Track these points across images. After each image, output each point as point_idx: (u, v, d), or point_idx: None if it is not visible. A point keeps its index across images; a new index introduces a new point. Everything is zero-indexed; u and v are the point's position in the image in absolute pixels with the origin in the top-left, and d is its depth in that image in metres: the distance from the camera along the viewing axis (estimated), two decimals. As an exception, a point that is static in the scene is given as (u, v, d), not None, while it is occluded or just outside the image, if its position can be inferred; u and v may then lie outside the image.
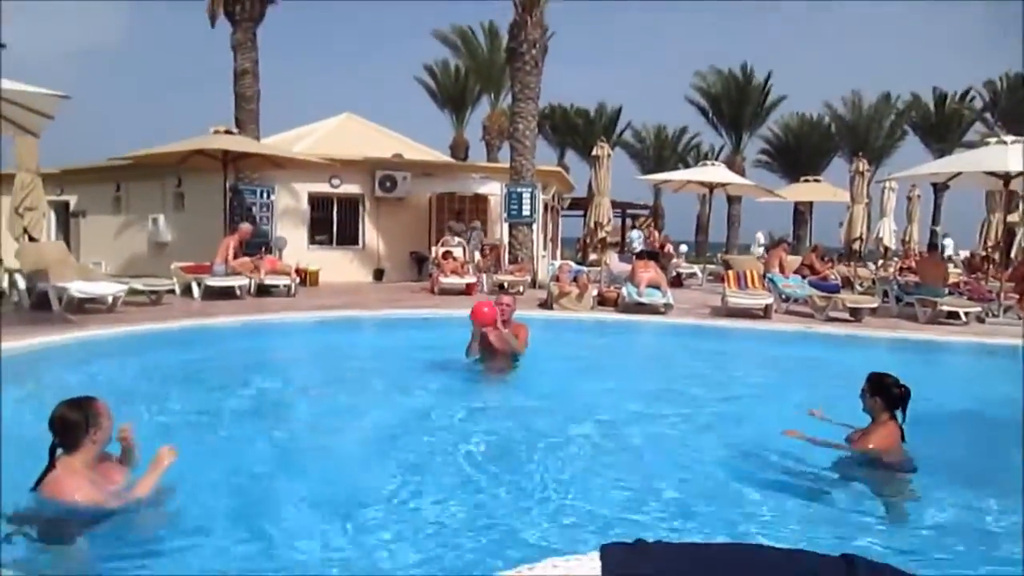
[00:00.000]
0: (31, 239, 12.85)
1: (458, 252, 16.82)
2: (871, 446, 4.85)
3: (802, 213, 36.85)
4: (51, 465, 3.65)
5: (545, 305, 13.41)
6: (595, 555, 1.02)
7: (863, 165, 17.86)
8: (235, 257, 14.41)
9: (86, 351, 8.79)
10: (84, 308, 11.63)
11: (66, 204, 22.87)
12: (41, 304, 11.56)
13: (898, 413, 4.91)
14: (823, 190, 26.68)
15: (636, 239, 24.93)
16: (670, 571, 1.05)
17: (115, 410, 3.97)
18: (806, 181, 27.89)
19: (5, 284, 13.47)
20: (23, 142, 12.58)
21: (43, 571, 3.51)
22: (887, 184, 20.45)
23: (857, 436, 5.05)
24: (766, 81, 40.69)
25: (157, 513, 3.88)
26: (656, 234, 25.20)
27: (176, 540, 3.75)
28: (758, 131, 42.55)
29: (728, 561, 1.09)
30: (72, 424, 3.67)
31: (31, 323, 10.14)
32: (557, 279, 13.79)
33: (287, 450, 5.33)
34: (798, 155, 42.04)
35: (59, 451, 3.67)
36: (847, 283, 17.39)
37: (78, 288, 11.49)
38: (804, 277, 15.36)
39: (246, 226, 15.32)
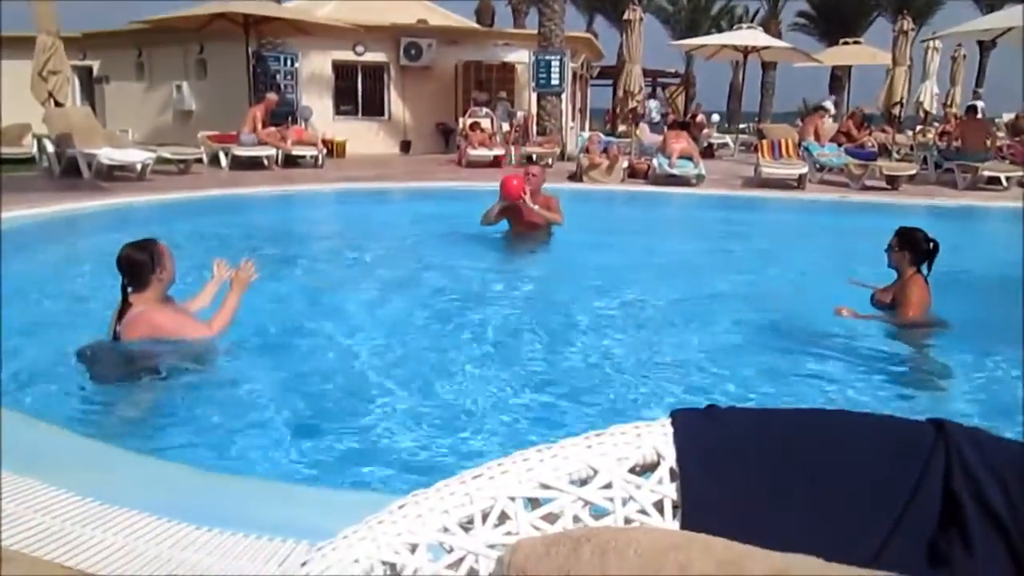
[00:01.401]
0: (57, 104, 12.76)
1: (486, 123, 16.48)
2: (912, 313, 4.82)
3: (839, 78, 35.41)
4: (125, 304, 3.85)
5: (574, 177, 13.23)
6: (665, 421, 1.00)
7: (907, 24, 17.00)
8: (263, 127, 14.25)
9: (118, 218, 8.85)
10: (113, 175, 11.65)
11: (89, 69, 22.53)
12: (71, 170, 11.60)
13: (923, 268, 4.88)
14: (863, 53, 25.50)
15: (654, 109, 24.16)
16: (747, 436, 1.03)
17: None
18: (845, 43, 26.68)
19: (35, 149, 13.51)
20: (40, 3, 12.30)
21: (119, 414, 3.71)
22: (930, 44, 19.47)
23: (882, 292, 5.07)
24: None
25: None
26: (678, 105, 24.36)
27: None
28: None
29: (806, 425, 1.07)
30: (139, 263, 3.85)
31: (63, 189, 10.21)
32: (587, 150, 13.53)
33: (313, 324, 5.25)
34: (837, 16, 40.05)
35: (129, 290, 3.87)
36: (884, 150, 16.93)
37: (107, 155, 11.50)
38: (840, 145, 14.97)
39: (272, 96, 15.07)
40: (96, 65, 22.37)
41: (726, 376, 4.33)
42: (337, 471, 3.18)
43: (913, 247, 4.86)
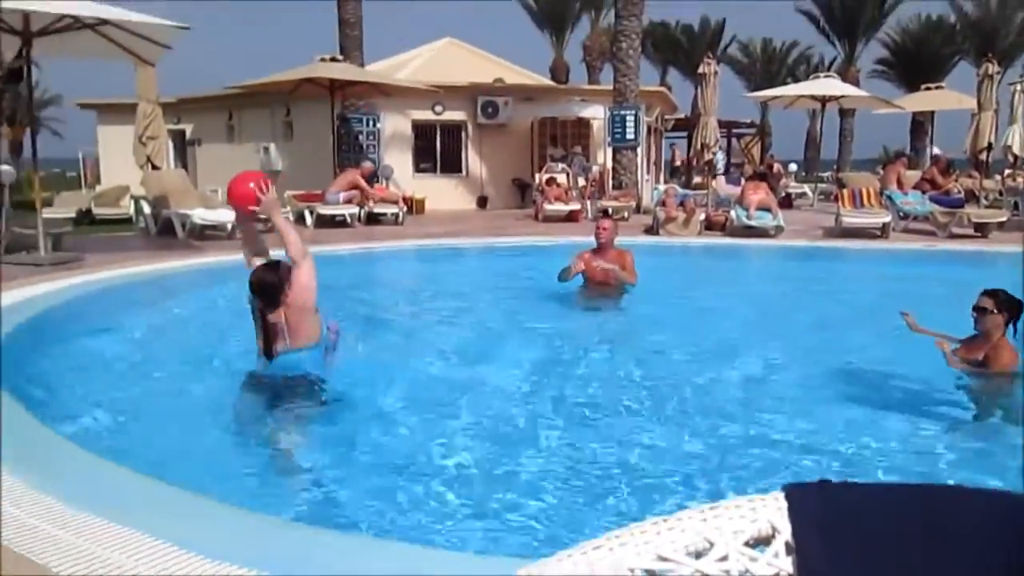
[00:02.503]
0: (154, 167, 13.49)
1: (561, 178, 16.66)
2: (1012, 366, 4.73)
3: (921, 124, 34.60)
4: (265, 325, 4.28)
5: (651, 231, 13.21)
6: (778, 495, 1.00)
7: (992, 67, 16.55)
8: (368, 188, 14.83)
9: (209, 276, 9.22)
10: (205, 234, 12.16)
11: (183, 133, 23.75)
12: (166, 230, 12.18)
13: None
14: (946, 98, 24.86)
15: (719, 161, 23.81)
16: (863, 512, 1.03)
17: (233, 329, 4.34)
18: (927, 88, 26.11)
19: (132, 211, 14.27)
20: (143, 72, 13.10)
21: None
22: (1018, 87, 18.88)
23: (966, 350, 4.93)
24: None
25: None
26: (754, 155, 24.02)
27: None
28: (874, 37, 39.89)
29: (924, 502, 1.06)
30: (271, 284, 4.23)
31: (159, 248, 10.72)
32: (663, 204, 13.51)
33: (389, 373, 5.31)
34: (918, 61, 39.26)
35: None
36: (972, 196, 16.40)
37: (200, 215, 12.04)
38: (924, 192, 14.60)
39: (368, 164, 15.68)
40: (189, 128, 23.56)
41: (821, 438, 4.22)
42: (437, 532, 3.19)
43: (1012, 310, 4.78)
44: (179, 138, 23.77)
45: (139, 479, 3.13)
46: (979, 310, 4.87)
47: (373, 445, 4.07)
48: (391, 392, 4.89)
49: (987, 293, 4.88)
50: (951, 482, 3.18)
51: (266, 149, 20.21)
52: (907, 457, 3.97)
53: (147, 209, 12.82)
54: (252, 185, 4.55)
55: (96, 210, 15.30)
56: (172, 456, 3.83)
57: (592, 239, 7.97)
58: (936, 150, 18.03)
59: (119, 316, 6.88)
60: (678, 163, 17.20)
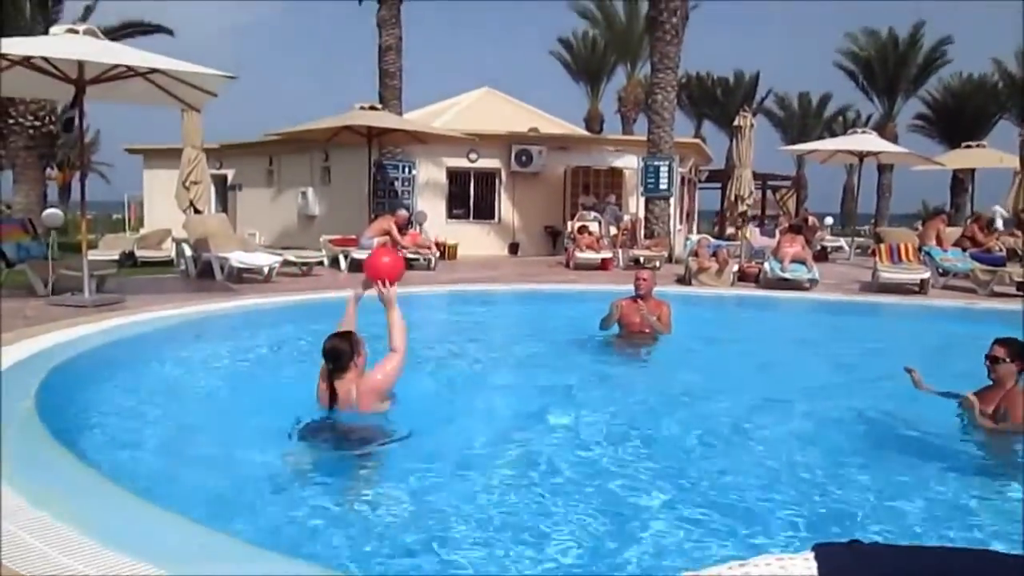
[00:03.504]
0: (196, 211, 13.78)
1: (593, 227, 16.74)
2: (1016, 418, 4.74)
3: (961, 181, 34.27)
4: (331, 388, 4.66)
5: (683, 281, 13.17)
6: (808, 555, 0.99)
7: (1034, 128, 16.42)
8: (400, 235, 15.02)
9: (245, 318, 9.36)
10: (243, 277, 12.36)
11: (224, 177, 24.28)
12: (205, 272, 12.40)
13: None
14: (987, 156, 24.66)
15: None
16: (893, 574, 1.02)
17: (271, 373, 4.27)
18: (968, 147, 25.92)
19: (173, 253, 14.57)
20: (189, 118, 13.48)
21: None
22: (1060, 147, 18.64)
23: (982, 402, 4.92)
24: (940, 43, 37.72)
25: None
26: (789, 208, 23.85)
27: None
28: (915, 94, 39.73)
29: (955, 565, 1.04)
30: (342, 351, 4.67)
31: (197, 290, 10.92)
32: (695, 254, 13.50)
33: (417, 420, 5.36)
34: (959, 118, 38.98)
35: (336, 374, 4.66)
36: (1014, 255, 16.14)
37: (238, 259, 12.25)
38: (965, 250, 14.40)
39: (403, 213, 15.88)
40: (231, 173, 24.08)
41: (849, 497, 4.14)
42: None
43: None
44: (221, 183, 24.29)
45: (177, 520, 3.16)
46: (992, 359, 4.92)
47: (407, 492, 4.09)
48: (427, 437, 4.91)
49: (1000, 342, 4.94)
50: (977, 546, 3.09)
51: (304, 194, 20.58)
52: (935, 518, 3.87)
53: (188, 252, 13.09)
54: (387, 260, 5.16)
55: (139, 252, 15.65)
56: (200, 497, 3.86)
57: (629, 287, 8.22)
58: (1000, 211, 17.47)
59: (157, 357, 7.00)
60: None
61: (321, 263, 14.52)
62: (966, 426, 5.07)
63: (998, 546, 3.42)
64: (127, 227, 25.35)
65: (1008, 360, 4.87)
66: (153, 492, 3.63)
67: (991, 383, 4.99)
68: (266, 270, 12.48)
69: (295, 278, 13.17)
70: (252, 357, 7.68)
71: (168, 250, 15.99)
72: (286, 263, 13.37)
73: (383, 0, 19.01)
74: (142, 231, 20.23)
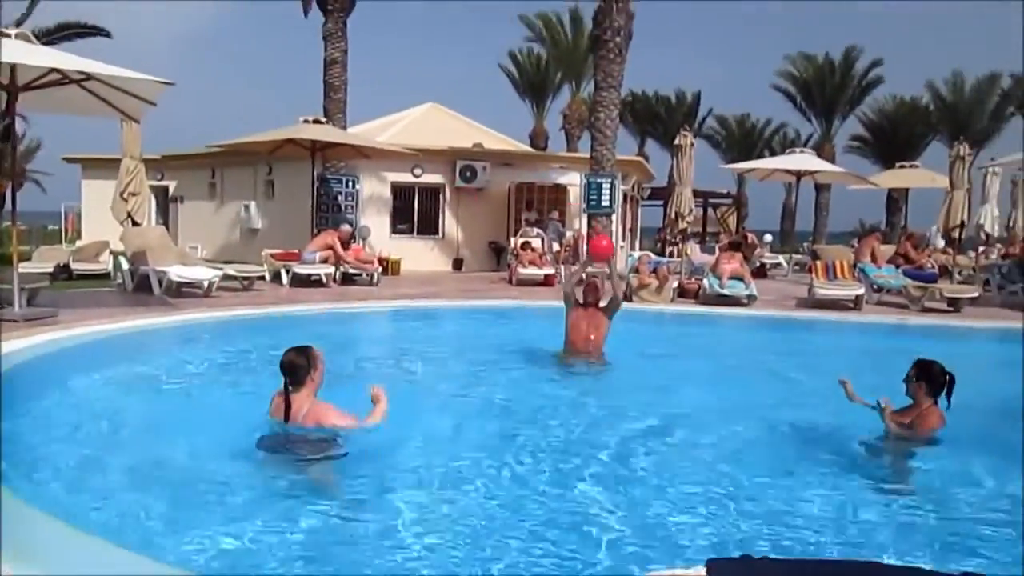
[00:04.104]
0: (134, 223, 13.49)
1: (536, 243, 16.86)
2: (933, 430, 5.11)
3: (896, 200, 35.41)
4: (287, 401, 4.63)
5: (624, 297, 13.31)
6: (700, 570, 1.04)
7: (963, 149, 17.03)
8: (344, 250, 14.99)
9: (183, 334, 9.20)
10: (182, 292, 12.13)
11: (165, 189, 23.84)
12: (142, 286, 12.13)
13: (942, 400, 5.15)
14: (920, 176, 25.48)
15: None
16: (779, 588, 1.07)
17: (209, 390, 4.22)
18: (901, 167, 26.79)
19: (111, 266, 14.22)
20: (128, 128, 13.20)
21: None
22: (990, 169, 19.42)
23: (899, 415, 5.23)
24: (872, 66, 38.98)
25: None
26: (729, 225, 24.36)
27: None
28: (850, 115, 40.97)
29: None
30: (298, 366, 4.66)
31: (134, 305, 10.67)
32: (636, 270, 13.69)
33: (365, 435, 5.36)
34: (893, 140, 40.35)
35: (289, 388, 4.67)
36: (944, 272, 16.72)
37: (177, 272, 12.02)
38: (898, 267, 14.87)
39: (347, 227, 15.77)
40: (172, 185, 23.67)
41: (761, 508, 4.27)
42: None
43: (929, 379, 5.14)
44: (162, 194, 23.85)
45: (100, 544, 3.09)
46: (907, 379, 5.22)
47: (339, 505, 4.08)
48: (376, 452, 4.93)
49: (918, 364, 5.22)
50: (869, 557, 3.20)
51: (246, 207, 20.32)
52: (838, 528, 4.00)
53: (125, 265, 12.79)
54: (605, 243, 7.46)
55: (75, 265, 15.22)
56: (133, 517, 3.79)
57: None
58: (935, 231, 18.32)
59: (89, 372, 6.83)
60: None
61: (263, 278, 14.33)
62: (883, 439, 5.26)
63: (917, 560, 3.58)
64: (64, 239, 24.67)
65: (914, 379, 5.18)
66: (78, 515, 3.55)
67: (912, 403, 5.26)
68: (206, 284, 12.26)
69: (236, 293, 12.97)
70: (188, 372, 7.55)
71: (105, 263, 15.59)
72: (227, 277, 13.16)
73: (329, 13, 18.94)
74: (79, 243, 19.72)
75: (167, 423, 5.66)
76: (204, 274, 12.39)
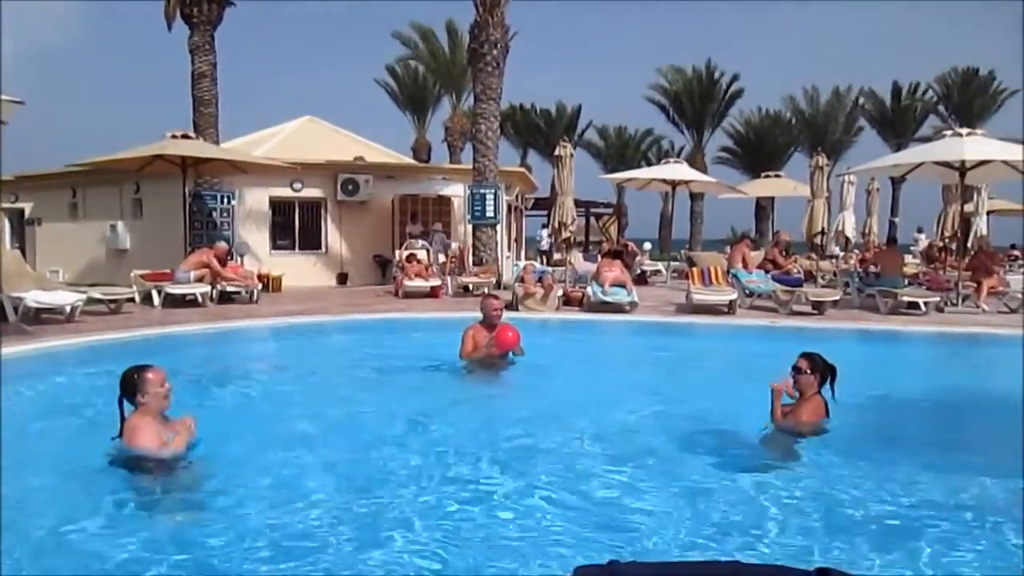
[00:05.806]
0: (-15, 248, 12.57)
1: (422, 255, 16.75)
2: (808, 419, 5.37)
3: (764, 208, 37.29)
4: (122, 416, 4.62)
5: (510, 306, 13.36)
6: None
7: (822, 160, 18.06)
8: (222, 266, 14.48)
9: (45, 363, 8.60)
10: (41, 318, 11.37)
11: (21, 211, 22.41)
12: (-4, 315, 11.29)
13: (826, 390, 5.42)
14: (783, 185, 26.93)
15: (545, 238, 25.76)
16: (645, 593, 1.05)
17: (77, 419, 4.64)
18: (767, 177, 28.16)
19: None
20: (-26, 151, 12.29)
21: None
22: (846, 178, 20.65)
23: (790, 408, 5.48)
24: (733, 80, 40.75)
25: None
26: (611, 234, 25.23)
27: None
28: (719, 127, 42.79)
29: (702, 579, 1.09)
30: (128, 384, 4.63)
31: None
32: (522, 280, 13.78)
33: (252, 461, 5.21)
34: (759, 150, 42.41)
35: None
36: (809, 276, 17.58)
37: (34, 298, 11.26)
38: (767, 272, 15.53)
39: (223, 244, 15.17)
40: (28, 207, 22.27)
41: (641, 507, 4.34)
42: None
43: (823, 372, 5.38)
44: (17, 217, 22.40)
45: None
46: (796, 369, 5.43)
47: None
48: (247, 468, 4.82)
49: (804, 355, 5.46)
50: (738, 557, 3.29)
51: (113, 227, 19.32)
52: (717, 525, 4.09)
53: (-25, 292, 11.87)
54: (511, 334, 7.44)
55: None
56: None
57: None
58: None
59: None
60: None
61: (132, 299, 13.60)
62: (767, 434, 5.44)
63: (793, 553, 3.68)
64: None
65: (808, 372, 5.38)
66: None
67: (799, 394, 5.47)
68: (68, 309, 11.52)
69: (103, 317, 12.25)
70: (45, 402, 7.05)
71: (-47, 290, 14.45)
72: (92, 301, 12.42)
73: (195, 26, 18.29)
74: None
75: (21, 449, 5.26)
76: (65, 299, 11.64)
